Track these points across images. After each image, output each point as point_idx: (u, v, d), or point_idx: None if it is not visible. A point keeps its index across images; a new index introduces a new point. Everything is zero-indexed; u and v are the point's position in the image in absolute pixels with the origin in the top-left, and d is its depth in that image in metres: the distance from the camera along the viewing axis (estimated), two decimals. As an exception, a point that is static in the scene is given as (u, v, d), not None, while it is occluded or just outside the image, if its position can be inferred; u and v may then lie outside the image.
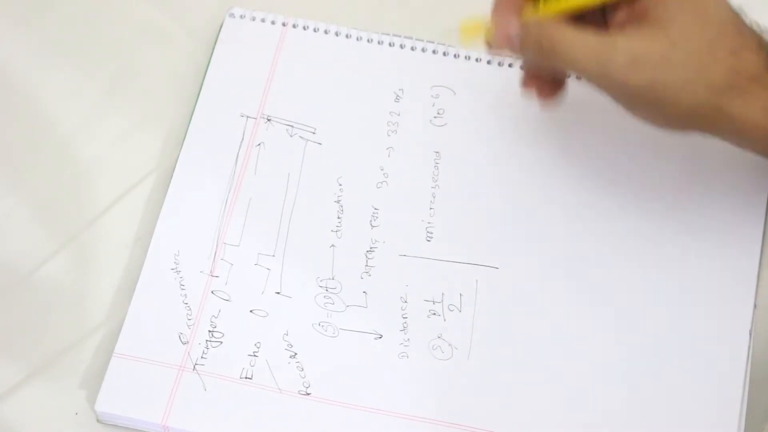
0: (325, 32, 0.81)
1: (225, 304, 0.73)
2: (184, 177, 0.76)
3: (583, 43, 0.67)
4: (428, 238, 0.75)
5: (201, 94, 0.79)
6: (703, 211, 0.74)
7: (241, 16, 0.81)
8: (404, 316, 0.73)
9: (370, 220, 0.75)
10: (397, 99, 0.79)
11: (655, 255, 0.73)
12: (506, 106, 0.78)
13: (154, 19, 0.83)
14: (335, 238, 0.75)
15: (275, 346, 0.72)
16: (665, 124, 0.69)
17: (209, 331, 0.72)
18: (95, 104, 0.80)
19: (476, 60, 0.80)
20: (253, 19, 0.81)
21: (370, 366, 0.71)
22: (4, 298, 0.74)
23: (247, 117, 0.78)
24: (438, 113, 0.79)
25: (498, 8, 0.70)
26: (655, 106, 0.67)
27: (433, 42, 0.80)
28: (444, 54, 0.80)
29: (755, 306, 0.72)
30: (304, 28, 0.81)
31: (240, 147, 0.77)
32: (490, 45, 0.70)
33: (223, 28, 0.81)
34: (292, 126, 0.78)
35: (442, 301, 0.73)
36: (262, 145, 0.78)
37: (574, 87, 0.72)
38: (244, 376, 0.71)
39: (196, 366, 0.71)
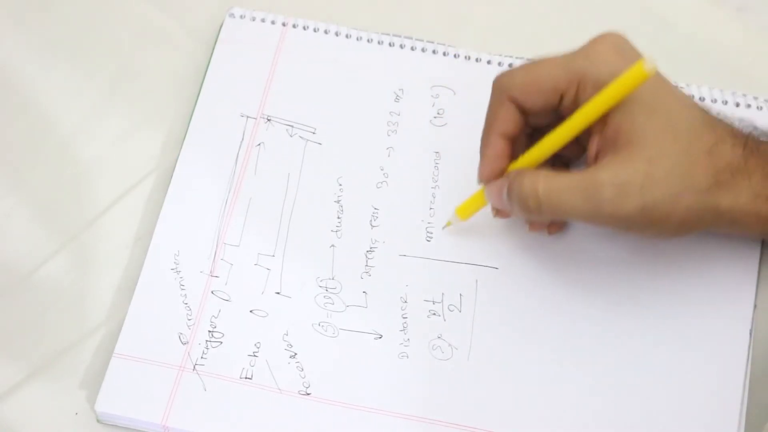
0: (325, 32, 0.81)
1: (225, 304, 0.73)
2: (184, 177, 0.76)
3: (567, 187, 0.67)
4: (428, 238, 0.75)
5: (201, 94, 0.79)
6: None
7: (241, 16, 0.81)
8: (404, 316, 0.73)
9: (370, 220, 0.76)
10: (397, 99, 0.79)
11: (656, 255, 0.73)
12: (506, 106, 0.78)
13: (154, 19, 0.83)
14: (335, 238, 0.75)
15: (275, 346, 0.72)
16: (660, 236, 0.70)
17: (209, 331, 0.72)
18: (95, 104, 0.80)
19: (476, 60, 0.80)
20: (253, 19, 0.81)
21: (370, 366, 0.71)
22: (4, 298, 0.74)
23: (247, 117, 0.78)
24: (438, 113, 0.79)
25: (486, 182, 0.71)
26: (648, 225, 0.68)
27: (433, 42, 0.80)
28: (444, 54, 0.80)
29: (755, 306, 0.72)
30: (304, 28, 0.81)
31: (240, 147, 0.77)
32: (496, 210, 0.72)
33: (223, 28, 0.81)
34: (292, 126, 0.78)
35: (442, 301, 0.73)
36: (262, 145, 0.78)
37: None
38: (244, 376, 0.71)
39: (196, 366, 0.71)
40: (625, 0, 0.83)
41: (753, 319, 0.72)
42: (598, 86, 0.67)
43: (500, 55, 0.80)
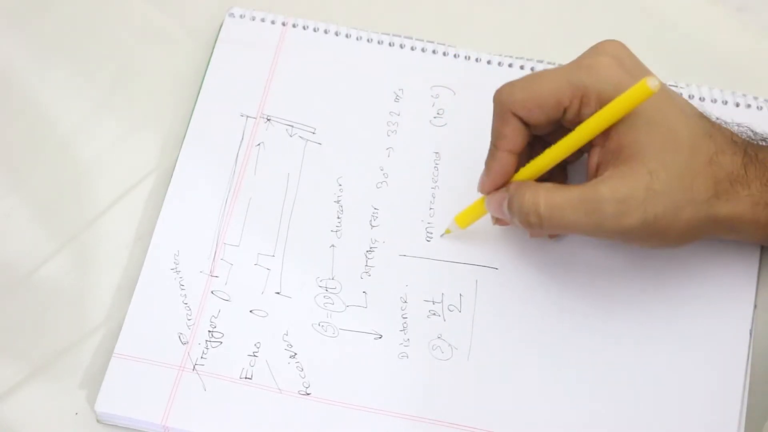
0: (325, 32, 0.81)
1: (225, 304, 0.73)
2: (184, 177, 0.76)
3: (568, 202, 0.67)
4: (428, 238, 0.75)
5: (201, 94, 0.79)
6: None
7: (240, 16, 0.81)
8: (404, 316, 0.73)
9: (370, 220, 0.75)
10: (397, 99, 0.79)
11: (656, 255, 0.73)
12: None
13: (154, 19, 0.83)
14: (335, 238, 0.75)
15: (275, 346, 0.72)
16: (661, 247, 0.71)
17: (209, 331, 0.72)
18: (95, 104, 0.80)
19: (476, 60, 0.80)
20: (253, 18, 0.81)
21: (369, 366, 0.71)
22: (4, 298, 0.74)
23: (247, 117, 0.78)
24: (438, 113, 0.78)
25: (487, 194, 0.71)
26: (650, 237, 0.68)
27: (433, 42, 0.80)
28: (444, 54, 0.80)
29: (755, 306, 0.72)
30: (304, 28, 0.81)
31: (240, 147, 0.77)
32: (495, 219, 0.73)
33: (223, 27, 0.81)
34: (292, 126, 0.78)
35: (442, 301, 0.73)
36: (261, 145, 0.78)
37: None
38: (244, 376, 0.71)
39: (196, 366, 0.71)
40: (625, 0, 0.83)
41: (753, 319, 0.72)
42: (601, 100, 0.67)
43: (500, 55, 0.80)
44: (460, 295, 0.73)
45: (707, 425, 0.70)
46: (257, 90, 0.79)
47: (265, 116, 0.78)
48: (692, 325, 0.72)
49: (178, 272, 0.74)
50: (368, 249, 0.75)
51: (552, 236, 0.73)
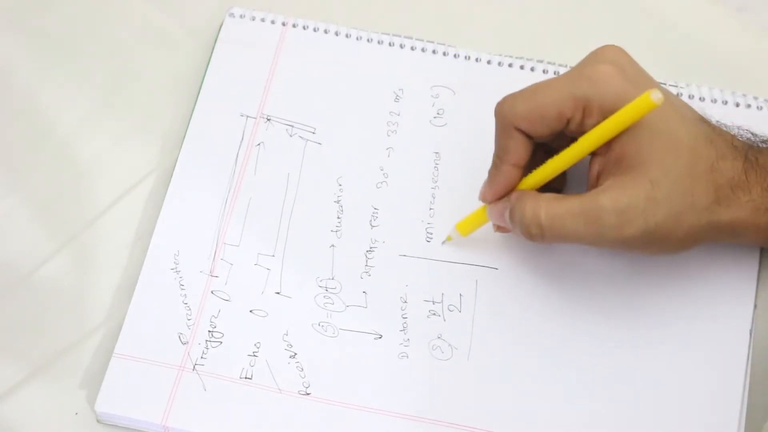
0: (325, 32, 0.81)
1: (225, 304, 0.73)
2: (184, 177, 0.76)
3: (569, 213, 0.67)
4: (428, 238, 0.75)
5: (200, 94, 0.79)
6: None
7: (240, 16, 0.81)
8: (404, 316, 0.73)
9: (370, 220, 0.75)
10: (397, 99, 0.79)
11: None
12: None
13: (154, 19, 0.83)
14: (335, 238, 0.75)
15: (275, 346, 0.72)
16: (662, 254, 0.71)
17: (209, 331, 0.72)
18: (95, 104, 0.80)
19: (476, 60, 0.80)
20: (253, 18, 0.81)
21: (369, 366, 0.71)
22: (4, 298, 0.74)
23: (247, 117, 0.78)
24: (438, 113, 0.79)
25: (488, 205, 0.72)
26: (651, 245, 0.68)
27: (433, 42, 0.80)
28: (444, 54, 0.80)
29: (755, 306, 0.72)
30: (304, 28, 0.81)
31: (240, 147, 0.77)
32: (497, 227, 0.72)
33: (222, 27, 0.81)
34: (292, 126, 0.78)
35: (442, 301, 0.73)
36: (261, 145, 0.78)
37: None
38: (243, 376, 0.71)
39: (196, 366, 0.71)
40: (625, 0, 0.83)
41: (753, 319, 0.72)
42: (604, 110, 0.67)
43: (500, 55, 0.80)
44: (460, 295, 0.73)
45: (707, 425, 0.70)
46: (257, 90, 0.79)
47: (265, 116, 0.78)
48: (692, 325, 0.72)
49: (178, 272, 0.74)
50: (368, 249, 0.75)
51: None
